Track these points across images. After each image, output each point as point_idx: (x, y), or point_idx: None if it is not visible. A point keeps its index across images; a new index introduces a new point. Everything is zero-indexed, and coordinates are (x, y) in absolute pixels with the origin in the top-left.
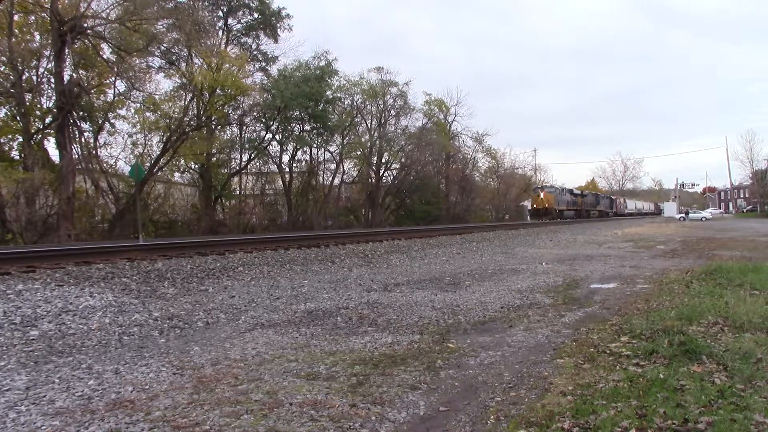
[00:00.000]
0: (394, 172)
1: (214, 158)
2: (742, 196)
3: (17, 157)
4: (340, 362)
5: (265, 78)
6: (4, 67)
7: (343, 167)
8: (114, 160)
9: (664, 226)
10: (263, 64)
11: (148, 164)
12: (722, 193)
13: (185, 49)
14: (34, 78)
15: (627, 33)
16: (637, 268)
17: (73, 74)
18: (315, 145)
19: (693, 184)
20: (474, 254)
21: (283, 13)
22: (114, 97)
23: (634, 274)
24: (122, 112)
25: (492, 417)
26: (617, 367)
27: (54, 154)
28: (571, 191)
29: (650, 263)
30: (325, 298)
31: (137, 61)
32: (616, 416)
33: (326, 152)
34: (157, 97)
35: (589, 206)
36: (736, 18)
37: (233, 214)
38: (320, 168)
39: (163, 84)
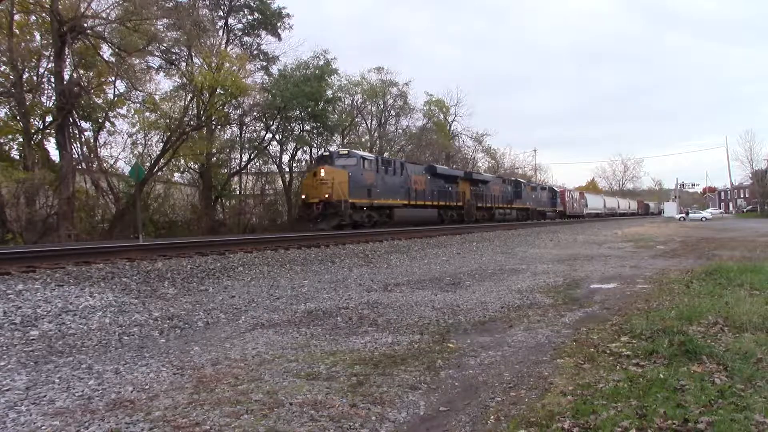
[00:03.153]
0: None
1: (214, 158)
2: (742, 196)
3: (17, 157)
4: (340, 362)
5: (266, 77)
6: (4, 67)
7: None
8: (114, 160)
9: (664, 227)
10: (264, 63)
11: (148, 164)
12: (722, 193)
13: (185, 49)
14: (34, 78)
15: (627, 33)
16: (637, 268)
17: (73, 74)
18: (315, 145)
19: (693, 184)
20: (474, 254)
21: (284, 12)
22: (114, 97)
23: (634, 274)
24: (122, 111)
25: (492, 417)
26: (617, 367)
27: (54, 154)
28: (432, 168)
29: (650, 263)
30: (325, 298)
31: (137, 61)
32: (616, 416)
33: (326, 152)
34: (157, 97)
35: (495, 201)
36: (735, 18)
37: (233, 214)
38: None
39: (163, 84)
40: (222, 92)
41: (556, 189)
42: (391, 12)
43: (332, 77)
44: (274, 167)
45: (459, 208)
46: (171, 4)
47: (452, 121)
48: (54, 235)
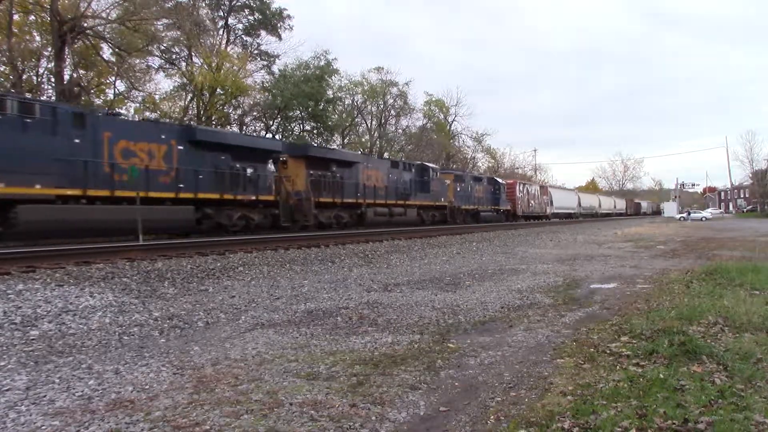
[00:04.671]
0: None
1: None
2: (742, 196)
3: None
4: (340, 362)
5: (266, 77)
6: (4, 67)
7: None
8: None
9: (664, 227)
10: (264, 62)
11: None
12: (722, 193)
13: (185, 49)
14: (34, 78)
15: (626, 33)
16: (637, 268)
17: (73, 74)
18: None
19: (693, 184)
20: (474, 254)
21: (284, 13)
22: (114, 97)
23: (634, 274)
24: (122, 110)
25: (492, 417)
26: (617, 367)
27: None
28: (190, 132)
29: (650, 263)
30: (325, 298)
31: (137, 61)
32: (616, 416)
33: None
34: (157, 96)
35: (371, 194)
36: (735, 18)
37: None
38: None
39: (163, 84)
40: (222, 92)
41: (499, 181)
42: (391, 12)
43: (333, 77)
44: None
45: (270, 204)
46: (171, 4)
47: (452, 121)
48: None
